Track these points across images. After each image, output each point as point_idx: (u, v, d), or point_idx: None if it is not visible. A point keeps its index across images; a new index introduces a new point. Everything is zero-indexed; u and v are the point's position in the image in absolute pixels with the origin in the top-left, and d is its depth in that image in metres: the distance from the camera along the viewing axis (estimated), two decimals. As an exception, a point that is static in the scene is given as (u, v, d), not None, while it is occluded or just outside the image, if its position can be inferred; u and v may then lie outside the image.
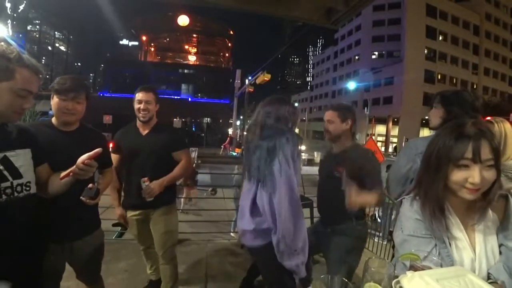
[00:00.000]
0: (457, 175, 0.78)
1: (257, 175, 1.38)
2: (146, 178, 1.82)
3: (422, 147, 1.44)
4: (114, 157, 1.91)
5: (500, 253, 0.80)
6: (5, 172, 0.94)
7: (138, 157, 1.92)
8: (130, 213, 2.03)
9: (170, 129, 2.30)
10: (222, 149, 20.48)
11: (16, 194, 0.97)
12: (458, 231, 0.82)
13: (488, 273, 0.77)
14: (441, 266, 0.77)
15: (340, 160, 1.71)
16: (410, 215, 0.88)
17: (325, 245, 1.78)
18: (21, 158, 1.01)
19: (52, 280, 1.39)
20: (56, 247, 1.35)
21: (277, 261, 1.35)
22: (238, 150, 17.63)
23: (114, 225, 3.82)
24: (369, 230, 4.20)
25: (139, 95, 1.92)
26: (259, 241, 1.42)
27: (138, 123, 1.99)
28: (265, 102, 1.50)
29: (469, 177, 0.76)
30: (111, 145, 1.99)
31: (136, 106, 1.91)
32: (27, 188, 1.02)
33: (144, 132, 1.97)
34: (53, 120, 1.45)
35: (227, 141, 20.79)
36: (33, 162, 1.06)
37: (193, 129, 29.14)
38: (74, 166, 0.99)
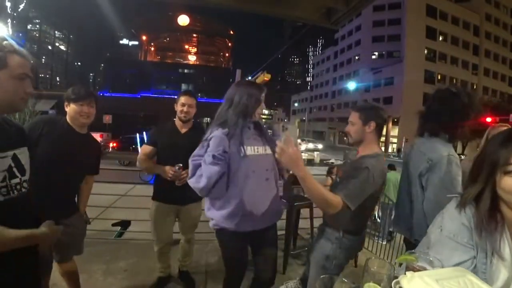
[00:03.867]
0: (505, 183, 0.71)
1: None
2: (181, 165, 1.97)
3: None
4: (148, 149, 2.13)
5: None
6: (15, 169, 0.98)
7: (175, 152, 2.08)
8: (160, 206, 2.17)
9: (204, 129, 2.47)
10: None
11: (23, 190, 1.01)
12: (507, 249, 0.73)
13: None
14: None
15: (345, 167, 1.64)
16: (457, 216, 0.80)
17: None
18: (24, 156, 1.04)
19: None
20: (64, 221, 1.61)
21: None
22: None
23: (114, 224, 3.82)
24: (368, 231, 4.23)
25: (183, 99, 2.12)
26: None
27: (177, 123, 2.18)
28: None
29: None
30: (145, 139, 2.26)
31: (180, 108, 2.12)
32: (28, 184, 1.06)
33: (183, 130, 2.17)
34: (70, 122, 1.66)
35: None
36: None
37: None
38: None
